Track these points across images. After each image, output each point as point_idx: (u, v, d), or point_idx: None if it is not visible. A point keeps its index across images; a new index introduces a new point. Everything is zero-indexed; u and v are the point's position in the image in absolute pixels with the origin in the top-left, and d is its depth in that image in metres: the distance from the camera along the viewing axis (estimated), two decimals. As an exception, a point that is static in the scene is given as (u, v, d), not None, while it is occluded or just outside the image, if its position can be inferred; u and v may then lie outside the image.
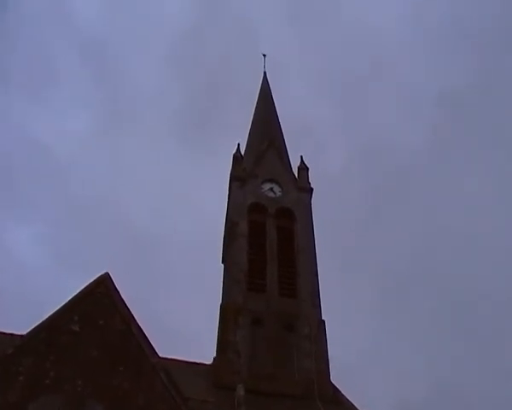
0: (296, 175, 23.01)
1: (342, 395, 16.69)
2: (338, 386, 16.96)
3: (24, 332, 11.89)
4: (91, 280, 12.82)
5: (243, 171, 22.29)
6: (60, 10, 65.21)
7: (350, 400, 16.49)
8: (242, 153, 23.56)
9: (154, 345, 12.41)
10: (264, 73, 30.46)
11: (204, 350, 18.48)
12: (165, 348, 13.36)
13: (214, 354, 16.98)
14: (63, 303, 12.19)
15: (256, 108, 28.18)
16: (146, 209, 59.04)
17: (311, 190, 22.50)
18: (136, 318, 12.62)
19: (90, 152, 61.04)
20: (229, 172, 22.78)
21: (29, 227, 56.98)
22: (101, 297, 12.54)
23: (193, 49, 67.60)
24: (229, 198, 22.29)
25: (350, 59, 65.47)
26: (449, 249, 47.84)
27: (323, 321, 18.14)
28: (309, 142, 50.32)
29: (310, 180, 23.03)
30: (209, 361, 17.11)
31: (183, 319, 41.16)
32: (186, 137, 65.34)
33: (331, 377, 16.92)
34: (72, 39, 66.37)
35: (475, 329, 40.24)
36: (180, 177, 65.29)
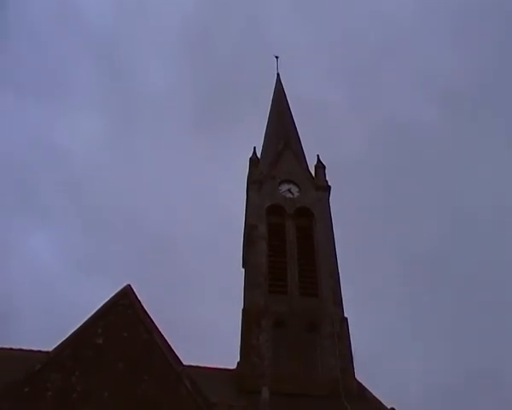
0: (313, 174, 23.12)
1: (368, 391, 16.74)
2: (363, 383, 17.04)
3: (48, 345, 12.26)
4: (113, 293, 13.11)
5: (260, 174, 22.46)
6: (70, 11, 65.77)
7: (376, 395, 16.55)
8: (258, 155, 23.78)
9: (177, 353, 12.65)
10: (278, 74, 30.67)
11: (228, 355, 18.65)
12: (188, 355, 13.60)
13: (238, 359, 17.16)
14: (86, 317, 12.49)
15: (271, 109, 28.40)
16: (163, 211, 59.37)
17: (329, 188, 22.56)
18: (158, 327, 12.86)
19: (105, 154, 61.77)
20: (246, 169, 23.08)
21: (46, 232, 57.67)
22: (123, 309, 12.80)
23: (205, 48, 68.04)
24: (247, 202, 22.45)
25: (361, 42, 65.06)
26: (474, 235, 47.41)
27: (346, 319, 18.19)
28: (324, 130, 50.37)
29: (327, 171, 23.24)
30: (233, 366, 17.30)
31: (207, 324, 41.45)
32: (201, 136, 65.60)
33: (356, 375, 17.00)
34: (84, 41, 67.28)
35: (503, 315, 39.82)
36: (197, 176, 65.60)
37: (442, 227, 49.30)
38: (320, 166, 23.49)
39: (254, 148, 23.98)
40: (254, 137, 27.06)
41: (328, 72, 66.24)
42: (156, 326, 12.76)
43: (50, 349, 11.95)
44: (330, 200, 22.25)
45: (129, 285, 13.21)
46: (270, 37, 60.06)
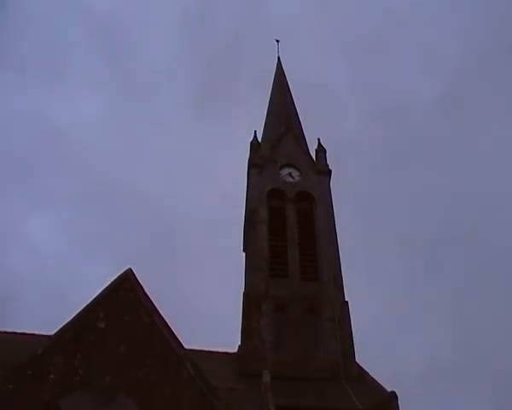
0: (314, 158, 23.09)
1: (368, 374, 16.82)
2: (363, 366, 17.13)
3: (49, 327, 12.32)
4: (113, 273, 13.13)
5: (261, 158, 22.42)
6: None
7: (375, 378, 16.63)
8: (259, 140, 23.74)
9: (179, 337, 12.69)
10: (278, 58, 30.52)
11: (229, 339, 18.74)
12: (189, 338, 13.65)
13: (239, 342, 17.24)
14: (88, 300, 12.51)
15: (271, 93, 28.28)
16: (164, 193, 59.20)
17: (330, 172, 22.55)
18: (160, 310, 12.87)
19: (106, 134, 61.67)
20: (247, 152, 23.18)
21: (46, 213, 57.62)
22: (125, 293, 12.79)
23: (205, 30, 67.55)
24: (247, 186, 22.45)
25: (362, 19, 64.60)
26: (474, 208, 47.41)
27: (347, 302, 18.27)
28: (325, 114, 50.16)
29: (328, 154, 23.24)
30: (234, 349, 17.39)
31: (208, 308, 41.66)
32: (202, 119, 65.35)
33: (356, 358, 17.08)
34: (82, 19, 66.51)
35: (506, 290, 39.88)
36: (197, 159, 65.47)
37: (442, 208, 49.37)
38: (321, 150, 23.48)
39: (255, 132, 23.98)
40: (255, 121, 27.03)
41: (329, 54, 65.94)
42: (157, 310, 12.76)
43: (52, 333, 11.98)
44: (331, 183, 22.25)
45: (130, 269, 13.20)
46: (271, 20, 59.64)
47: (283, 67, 29.90)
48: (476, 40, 58.20)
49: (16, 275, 45.58)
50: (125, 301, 12.69)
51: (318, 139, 23.94)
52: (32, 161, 58.55)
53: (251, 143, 23.33)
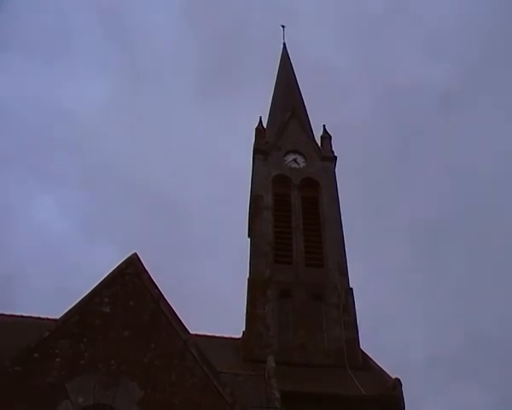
0: (319, 144, 23.03)
1: (373, 361, 16.85)
2: (368, 353, 17.17)
3: (55, 309, 12.37)
4: (118, 256, 13.19)
5: (266, 144, 22.38)
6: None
7: (380, 365, 16.67)
8: (264, 125, 23.67)
9: (183, 322, 12.72)
10: (284, 44, 30.32)
11: (233, 324, 18.79)
12: (194, 323, 13.70)
13: (243, 328, 17.28)
14: (93, 283, 12.54)
15: (277, 79, 28.14)
16: (169, 176, 59.22)
17: (335, 158, 22.49)
18: (165, 296, 12.90)
19: (112, 116, 61.44)
20: (252, 137, 23.07)
21: (51, 195, 57.77)
22: (130, 278, 12.80)
23: (210, 14, 67.29)
24: (253, 172, 22.40)
25: (368, 4, 64.15)
26: (478, 192, 47.32)
27: (351, 289, 18.26)
28: (331, 98, 49.98)
29: (333, 140, 23.17)
30: (239, 335, 17.43)
31: (212, 293, 41.77)
32: (207, 100, 65.11)
33: (360, 345, 17.11)
34: (87, 1, 66.10)
35: (506, 277, 39.88)
36: (203, 143, 65.38)
37: (447, 195, 49.26)
38: (326, 136, 23.41)
39: (260, 118, 23.89)
40: (260, 107, 26.94)
41: (334, 38, 65.47)
42: (163, 295, 12.77)
43: (57, 316, 12.04)
44: (336, 170, 22.20)
45: (135, 254, 13.19)
46: (277, 4, 59.21)
47: (289, 52, 29.74)
48: (481, 25, 57.63)
49: (21, 256, 45.74)
50: (130, 286, 12.69)
51: (324, 125, 23.88)
52: (38, 143, 58.35)
53: (256, 129, 23.24)
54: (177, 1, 69.81)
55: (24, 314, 15.78)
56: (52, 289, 40.31)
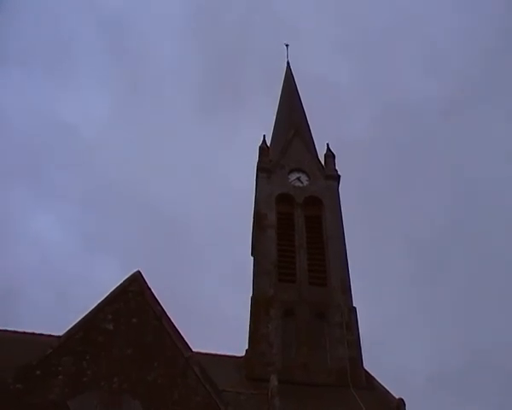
0: (323, 162, 23.09)
1: (376, 380, 16.74)
2: (371, 372, 17.07)
3: (56, 325, 12.36)
4: (121, 273, 13.20)
5: (269, 162, 22.45)
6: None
7: (383, 384, 16.56)
8: (268, 144, 23.75)
9: (186, 340, 12.70)
10: (288, 62, 30.47)
11: (236, 343, 18.72)
12: (197, 341, 13.67)
13: (246, 347, 17.20)
14: (95, 301, 12.57)
15: (281, 97, 28.27)
16: (171, 194, 58.84)
17: (339, 177, 22.51)
18: (168, 313, 12.91)
19: (113, 130, 61.35)
20: (255, 156, 23.07)
21: (52, 210, 57.62)
22: (133, 296, 12.85)
23: (212, 31, 67.49)
24: (256, 190, 22.46)
25: (371, 22, 64.51)
26: (481, 207, 47.22)
27: (355, 308, 18.19)
28: (335, 114, 50.13)
29: (337, 158, 23.13)
30: (242, 354, 17.35)
31: (215, 311, 41.60)
32: (211, 117, 65.22)
33: (364, 364, 17.01)
34: (88, 15, 66.47)
35: (508, 296, 39.58)
36: (206, 161, 65.43)
37: (449, 210, 49.18)
38: (329, 154, 23.42)
39: (264, 136, 23.95)
40: (264, 125, 27.05)
41: (335, 55, 65.73)
42: (165, 313, 12.80)
43: (60, 333, 12.04)
44: (339, 187, 22.22)
45: (138, 271, 13.25)
46: (280, 21, 59.65)
47: (292, 69, 29.91)
48: (480, 41, 57.92)
49: (22, 272, 45.72)
50: (133, 304, 12.74)
51: (327, 144, 23.92)
52: (40, 159, 58.39)
53: (260, 147, 23.31)
54: (180, 15, 69.91)
55: (26, 331, 15.72)
56: (52, 303, 40.27)
